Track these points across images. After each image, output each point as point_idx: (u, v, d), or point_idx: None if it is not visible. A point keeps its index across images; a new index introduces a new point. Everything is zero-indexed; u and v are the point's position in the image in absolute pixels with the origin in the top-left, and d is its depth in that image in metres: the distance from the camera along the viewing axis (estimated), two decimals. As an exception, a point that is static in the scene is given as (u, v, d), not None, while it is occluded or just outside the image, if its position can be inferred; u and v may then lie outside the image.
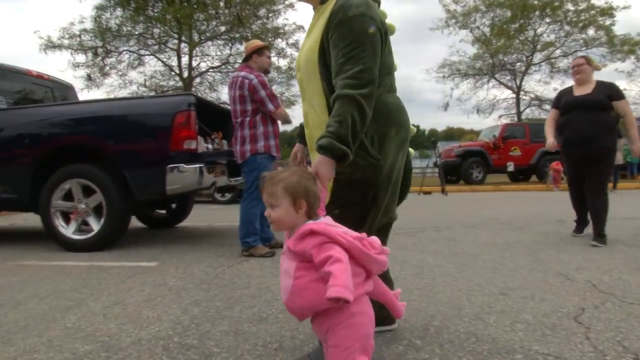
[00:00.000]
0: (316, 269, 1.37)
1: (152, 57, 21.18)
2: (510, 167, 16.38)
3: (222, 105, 6.56)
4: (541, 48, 24.17)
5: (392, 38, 1.94)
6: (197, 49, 20.67)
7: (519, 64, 25.21)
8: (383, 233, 1.94)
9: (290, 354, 2.03)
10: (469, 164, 16.12)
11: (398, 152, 1.90)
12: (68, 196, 4.80)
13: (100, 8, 19.04)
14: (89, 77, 20.32)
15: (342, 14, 1.72)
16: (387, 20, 1.94)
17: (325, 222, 1.46)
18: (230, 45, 21.12)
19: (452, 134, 79.89)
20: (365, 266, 1.44)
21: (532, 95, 25.58)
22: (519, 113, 25.00)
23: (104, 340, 2.25)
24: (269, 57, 4.71)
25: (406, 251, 4.45)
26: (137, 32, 20.01)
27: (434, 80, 26.53)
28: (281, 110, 4.40)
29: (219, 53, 21.55)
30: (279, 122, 4.54)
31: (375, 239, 1.47)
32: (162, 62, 21.25)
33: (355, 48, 1.68)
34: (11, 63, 5.92)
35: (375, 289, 1.56)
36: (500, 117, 26.32)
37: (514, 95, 25.47)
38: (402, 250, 4.47)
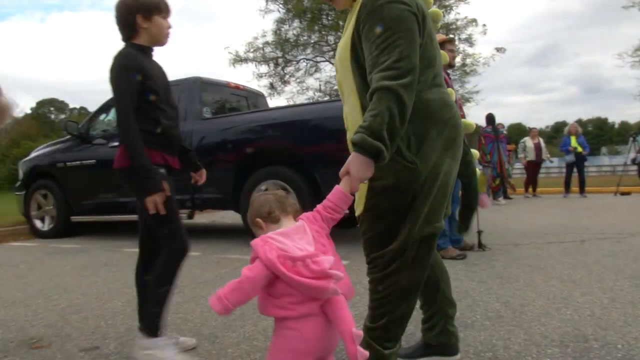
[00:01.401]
0: None
1: (327, 63, 22.14)
2: None
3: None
4: None
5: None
6: (368, 52, 21.05)
7: None
8: (427, 245, 1.67)
9: (508, 366, 1.89)
10: (680, 159, 13.78)
11: (444, 154, 1.64)
12: (265, 196, 5.17)
13: (280, 21, 20.46)
14: (271, 86, 21.95)
15: (370, 3, 1.55)
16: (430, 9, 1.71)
17: (270, 235, 1.43)
18: (401, 45, 21.10)
19: (650, 126, 69.67)
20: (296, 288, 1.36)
21: None
22: None
23: (313, 335, 2.35)
24: (452, 51, 4.54)
25: (616, 259, 3.94)
26: (312, 41, 21.08)
27: (627, 66, 23.07)
28: None
29: (389, 54, 21.67)
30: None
31: (324, 260, 1.35)
32: (336, 67, 22.07)
33: (389, 37, 1.49)
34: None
35: (330, 314, 1.40)
36: None
37: None
38: (610, 258, 3.97)
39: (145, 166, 2.05)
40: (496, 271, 3.63)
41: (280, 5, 20.26)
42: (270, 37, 20.82)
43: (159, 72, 2.29)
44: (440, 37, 4.56)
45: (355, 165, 1.47)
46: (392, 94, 1.44)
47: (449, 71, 4.44)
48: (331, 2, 1.78)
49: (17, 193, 7.25)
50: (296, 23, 20.63)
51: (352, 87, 1.68)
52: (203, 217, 9.42)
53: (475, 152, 2.00)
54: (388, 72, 1.47)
